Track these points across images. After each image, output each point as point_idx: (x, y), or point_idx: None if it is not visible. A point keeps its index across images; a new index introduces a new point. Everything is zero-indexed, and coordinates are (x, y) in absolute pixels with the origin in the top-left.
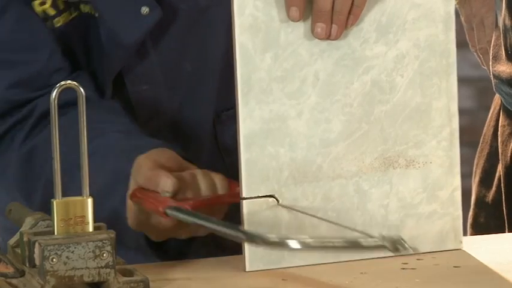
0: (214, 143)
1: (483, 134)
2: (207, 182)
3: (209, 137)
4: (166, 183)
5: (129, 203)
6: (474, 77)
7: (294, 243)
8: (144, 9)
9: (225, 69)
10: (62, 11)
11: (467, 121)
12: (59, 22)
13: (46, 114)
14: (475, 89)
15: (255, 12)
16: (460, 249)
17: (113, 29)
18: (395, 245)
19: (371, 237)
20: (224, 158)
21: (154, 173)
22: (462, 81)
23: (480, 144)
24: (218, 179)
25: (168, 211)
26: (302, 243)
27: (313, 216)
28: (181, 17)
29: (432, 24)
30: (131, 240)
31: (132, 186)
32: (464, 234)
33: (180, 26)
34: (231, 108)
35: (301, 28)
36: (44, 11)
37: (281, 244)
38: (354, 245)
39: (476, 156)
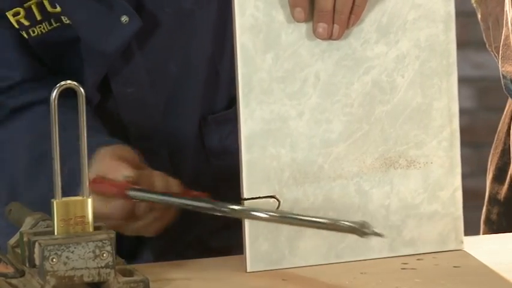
0: (201, 146)
1: (498, 131)
2: (163, 184)
3: (195, 139)
4: (129, 171)
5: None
6: (474, 77)
7: (259, 213)
8: (124, 19)
9: (210, 73)
10: (39, 21)
11: (467, 121)
12: (34, 32)
13: (13, 110)
14: (475, 89)
15: (256, 13)
16: (461, 249)
17: (93, 39)
18: (363, 229)
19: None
20: (211, 161)
21: (117, 162)
22: (462, 81)
23: (494, 142)
24: (174, 183)
25: (131, 192)
26: (268, 214)
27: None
28: (166, 21)
29: (432, 24)
30: None
31: (90, 175)
32: (478, 230)
33: (164, 29)
34: (217, 112)
35: (301, 28)
36: (18, 21)
37: (246, 213)
38: (316, 223)
39: (491, 153)
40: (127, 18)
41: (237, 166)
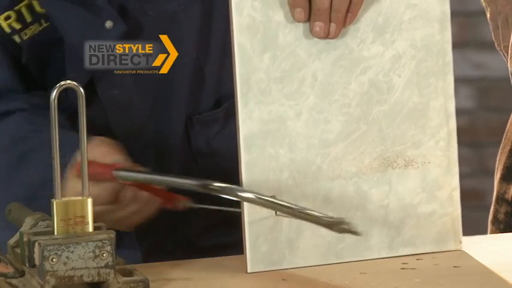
0: (188, 146)
1: (506, 130)
2: None
3: (181, 140)
4: (119, 157)
5: (69, 179)
6: (474, 77)
7: (244, 193)
8: (108, 24)
9: (195, 73)
10: (30, 23)
11: (467, 121)
12: (26, 35)
13: None
14: (475, 89)
15: (253, 13)
16: (460, 249)
17: (77, 43)
18: (341, 226)
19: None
20: (197, 161)
21: (109, 149)
22: (462, 81)
23: (503, 141)
24: None
25: (119, 172)
26: (253, 195)
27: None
28: (150, 24)
29: (428, 24)
30: None
31: (77, 160)
32: (477, 230)
33: (148, 32)
34: (202, 113)
35: (299, 28)
36: (10, 25)
37: (231, 191)
38: (303, 214)
39: (499, 153)
40: (111, 24)
41: (224, 166)
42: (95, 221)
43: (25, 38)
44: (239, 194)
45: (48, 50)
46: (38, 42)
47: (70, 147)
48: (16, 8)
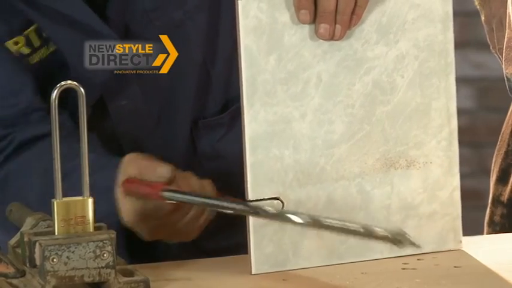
0: (193, 149)
1: (501, 132)
2: (197, 182)
3: (187, 144)
4: (164, 169)
5: (121, 199)
6: (474, 77)
7: (296, 218)
8: (115, 50)
9: (201, 79)
10: (38, 48)
11: (467, 121)
12: (34, 59)
13: (22, 144)
14: (475, 89)
15: (259, 14)
16: (459, 249)
17: (82, 71)
18: (399, 239)
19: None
20: (203, 164)
21: (150, 162)
22: (462, 81)
23: (498, 143)
24: (207, 182)
25: (165, 193)
26: (304, 219)
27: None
28: (156, 34)
29: (431, 24)
30: None
31: (121, 179)
32: (477, 230)
33: (153, 39)
34: (208, 117)
35: (304, 30)
36: (18, 51)
37: (283, 216)
38: (354, 231)
39: (494, 155)
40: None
41: (229, 169)
42: (161, 235)
43: (33, 62)
44: (292, 218)
45: (56, 71)
46: (46, 65)
47: (112, 170)
48: (25, 33)
